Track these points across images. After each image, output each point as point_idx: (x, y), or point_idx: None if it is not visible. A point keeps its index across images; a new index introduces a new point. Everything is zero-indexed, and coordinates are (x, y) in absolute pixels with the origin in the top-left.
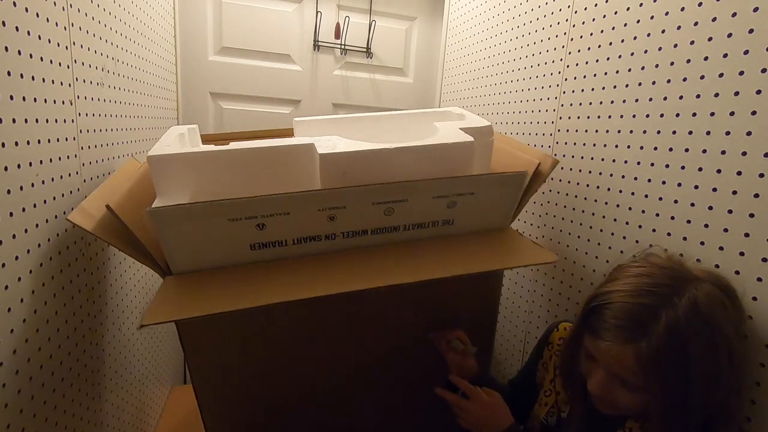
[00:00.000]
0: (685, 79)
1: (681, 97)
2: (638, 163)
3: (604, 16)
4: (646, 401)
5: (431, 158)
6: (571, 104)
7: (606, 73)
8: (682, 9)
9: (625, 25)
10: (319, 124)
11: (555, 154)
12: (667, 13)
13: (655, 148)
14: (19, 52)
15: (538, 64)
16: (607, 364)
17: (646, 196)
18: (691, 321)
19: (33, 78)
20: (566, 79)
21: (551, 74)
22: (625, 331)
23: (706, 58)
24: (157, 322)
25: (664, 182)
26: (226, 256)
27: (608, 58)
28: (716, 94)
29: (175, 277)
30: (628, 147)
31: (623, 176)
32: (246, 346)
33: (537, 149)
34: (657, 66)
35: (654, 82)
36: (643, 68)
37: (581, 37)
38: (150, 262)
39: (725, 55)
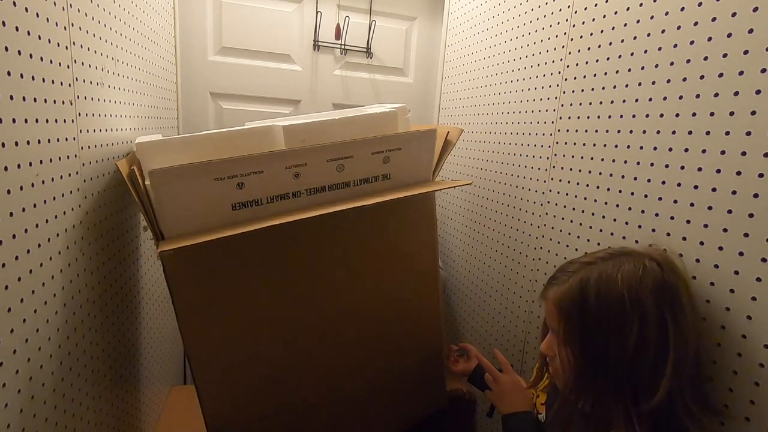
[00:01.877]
0: (685, 79)
1: (681, 97)
2: (638, 163)
3: (604, 16)
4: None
5: (365, 125)
6: (571, 104)
7: (606, 73)
8: (682, 9)
9: (625, 25)
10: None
11: (555, 154)
12: (667, 13)
13: (655, 148)
14: (19, 52)
15: (538, 64)
16: (546, 318)
17: (646, 196)
18: (604, 280)
19: (33, 78)
20: (566, 79)
21: (551, 74)
22: (555, 280)
23: (706, 58)
24: (174, 247)
25: (663, 182)
26: (212, 218)
27: (608, 58)
28: (716, 94)
29: (171, 238)
30: (628, 147)
31: (623, 176)
32: (234, 289)
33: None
34: (657, 66)
35: (654, 82)
36: (643, 68)
37: (581, 37)
38: (152, 226)
39: (725, 55)
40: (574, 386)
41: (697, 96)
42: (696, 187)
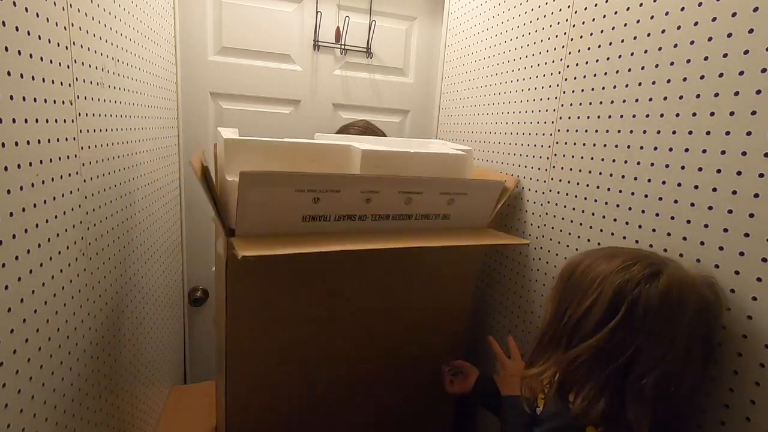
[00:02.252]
0: (685, 79)
1: (681, 97)
2: (638, 163)
3: (604, 16)
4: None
5: (437, 163)
6: (571, 104)
7: (606, 73)
8: (682, 9)
9: (625, 25)
10: (335, 138)
11: (555, 154)
12: (667, 13)
13: (655, 148)
14: (19, 52)
15: (538, 64)
16: None
17: (646, 196)
18: (588, 264)
19: (33, 78)
20: (566, 79)
21: (551, 74)
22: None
23: (706, 58)
24: (256, 254)
25: (664, 182)
26: (283, 224)
27: (608, 58)
28: (716, 94)
29: (242, 236)
30: (628, 147)
31: (623, 176)
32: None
33: (501, 173)
34: (657, 66)
35: (654, 82)
36: (643, 68)
37: (581, 37)
38: (220, 218)
39: (725, 55)
40: (540, 337)
41: (698, 96)
42: (696, 187)
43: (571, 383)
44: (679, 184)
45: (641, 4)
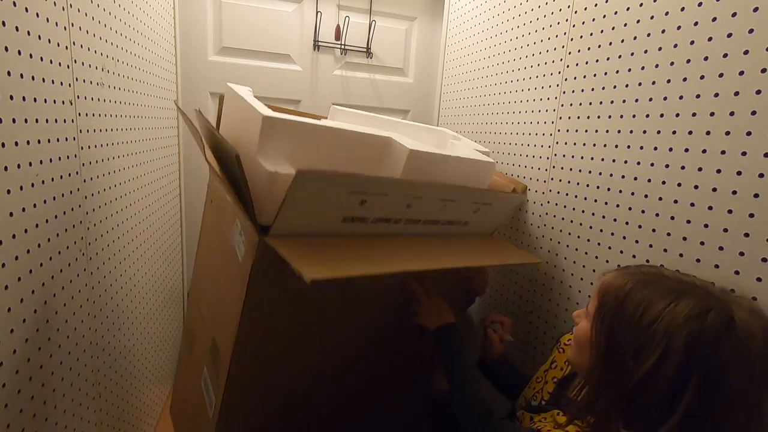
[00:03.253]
0: (685, 79)
1: (681, 97)
2: (638, 163)
3: (604, 16)
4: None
5: (469, 169)
6: (571, 104)
7: (606, 73)
8: (682, 9)
9: (625, 25)
10: (353, 117)
11: (555, 154)
12: (667, 13)
13: (655, 148)
14: (19, 52)
15: (538, 64)
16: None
17: (646, 196)
18: (647, 299)
19: (33, 78)
20: (566, 79)
21: (551, 74)
22: (626, 268)
23: (706, 58)
24: (327, 277)
25: (663, 182)
26: (321, 224)
27: (608, 58)
28: (716, 94)
29: (278, 238)
30: (628, 147)
31: (623, 176)
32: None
33: (508, 177)
34: (657, 66)
35: (654, 82)
36: (643, 68)
37: (581, 37)
38: (249, 214)
39: (725, 55)
40: (589, 363)
41: (698, 96)
42: (696, 187)
43: None
44: (679, 184)
45: (641, 5)
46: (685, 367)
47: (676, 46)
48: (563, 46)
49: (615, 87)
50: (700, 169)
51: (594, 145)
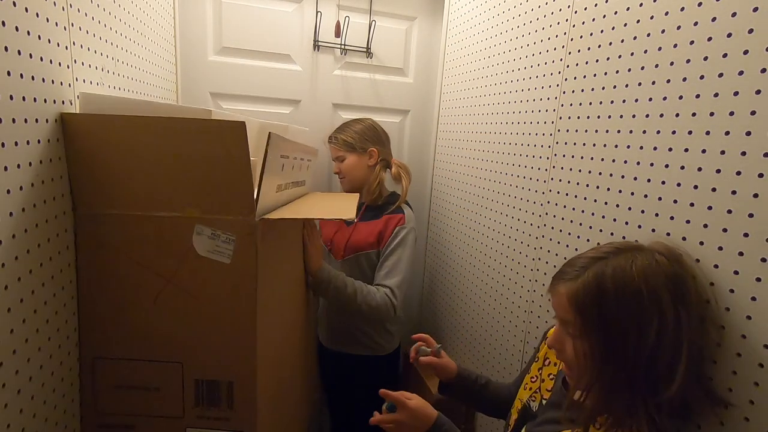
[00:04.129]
0: (684, 79)
1: (681, 97)
2: (638, 163)
3: (604, 16)
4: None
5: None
6: (571, 104)
7: (606, 73)
8: (682, 9)
9: (625, 25)
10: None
11: (555, 154)
12: (667, 13)
13: (655, 148)
14: (19, 52)
15: (538, 64)
16: (556, 311)
17: (646, 196)
18: (619, 275)
19: (33, 78)
20: (566, 79)
21: (551, 74)
22: (564, 275)
23: (705, 58)
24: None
25: (663, 182)
26: (269, 198)
27: (608, 58)
28: (716, 94)
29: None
30: (628, 147)
31: (623, 176)
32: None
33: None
34: (657, 66)
35: (654, 82)
36: (643, 68)
37: (581, 37)
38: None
39: (725, 55)
40: (590, 378)
41: (697, 96)
42: (696, 187)
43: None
44: (678, 184)
45: (641, 4)
46: (676, 311)
47: (675, 46)
48: (563, 46)
49: (615, 87)
50: (699, 169)
51: (594, 145)
